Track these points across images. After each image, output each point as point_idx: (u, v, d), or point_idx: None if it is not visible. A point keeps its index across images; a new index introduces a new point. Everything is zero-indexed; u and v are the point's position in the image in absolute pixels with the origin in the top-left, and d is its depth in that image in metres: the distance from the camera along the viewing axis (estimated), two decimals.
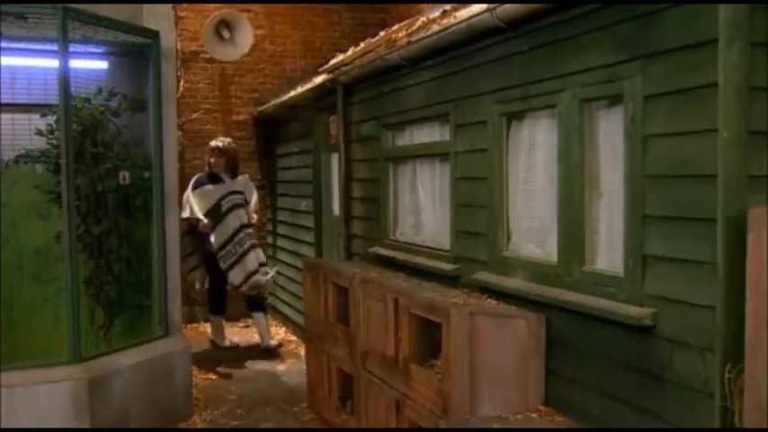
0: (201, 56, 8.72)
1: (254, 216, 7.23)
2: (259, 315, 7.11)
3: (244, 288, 6.81)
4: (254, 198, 7.25)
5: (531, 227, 3.80)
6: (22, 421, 4.28)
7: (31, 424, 4.28)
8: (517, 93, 3.72)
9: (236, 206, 6.90)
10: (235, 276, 6.78)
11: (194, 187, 6.94)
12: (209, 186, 6.92)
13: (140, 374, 4.81)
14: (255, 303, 7.10)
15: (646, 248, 2.90)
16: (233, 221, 6.83)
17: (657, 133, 2.82)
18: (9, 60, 5.07)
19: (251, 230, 7.00)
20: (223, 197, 6.86)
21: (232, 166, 7.09)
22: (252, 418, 5.21)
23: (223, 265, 6.78)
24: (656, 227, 2.86)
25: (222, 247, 6.78)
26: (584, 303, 3.22)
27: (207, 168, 7.11)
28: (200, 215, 6.72)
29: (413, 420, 3.80)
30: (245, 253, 6.82)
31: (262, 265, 7.04)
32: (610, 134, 3.21)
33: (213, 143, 7.12)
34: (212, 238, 6.78)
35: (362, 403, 4.42)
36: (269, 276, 7.13)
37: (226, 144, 7.10)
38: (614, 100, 3.13)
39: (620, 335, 3.04)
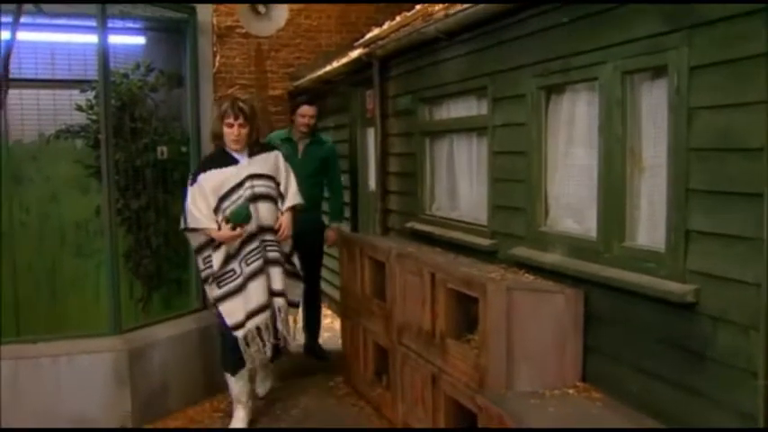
0: (237, 31, 8.74)
1: (283, 220, 4.47)
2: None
3: (240, 333, 4.31)
4: (293, 186, 4.57)
5: (570, 202, 3.75)
6: (67, 389, 4.40)
7: (75, 392, 4.41)
8: (557, 65, 3.66)
9: (258, 197, 4.37)
10: (229, 311, 4.33)
11: (195, 177, 4.37)
12: (216, 171, 4.36)
13: (178, 346, 4.89)
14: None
15: (689, 223, 2.85)
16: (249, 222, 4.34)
17: (703, 105, 2.75)
18: (49, 36, 5.15)
19: (273, 238, 4.42)
20: (238, 185, 4.34)
21: (251, 138, 4.46)
22: (287, 391, 5.27)
23: (214, 293, 4.39)
24: (699, 201, 2.80)
25: (225, 263, 4.32)
26: (624, 279, 3.18)
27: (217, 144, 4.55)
28: (204, 223, 4.25)
29: (448, 394, 3.81)
30: (255, 274, 4.32)
31: (287, 301, 4.50)
32: (653, 107, 3.14)
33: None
34: (213, 256, 4.33)
35: (398, 377, 4.44)
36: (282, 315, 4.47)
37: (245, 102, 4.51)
38: (658, 72, 3.05)
39: (660, 311, 3.00)
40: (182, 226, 4.41)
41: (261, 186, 4.40)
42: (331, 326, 7.08)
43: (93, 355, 4.47)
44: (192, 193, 4.33)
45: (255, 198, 4.35)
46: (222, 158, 4.42)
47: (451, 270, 3.89)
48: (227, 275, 4.33)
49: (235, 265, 4.32)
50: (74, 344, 4.52)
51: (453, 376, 3.74)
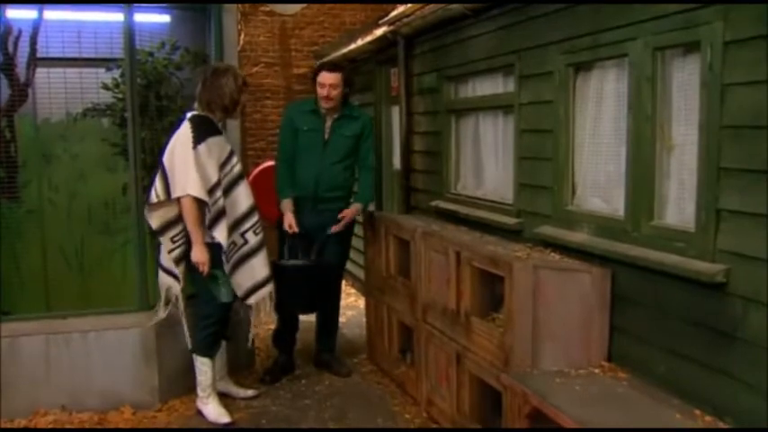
0: (261, 9, 8.71)
1: None
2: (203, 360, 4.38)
3: (251, 300, 4.51)
4: None
5: (598, 180, 3.71)
6: (96, 363, 4.48)
7: (104, 366, 4.48)
8: (586, 42, 3.60)
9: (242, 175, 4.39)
10: (239, 280, 4.43)
11: (201, 137, 4.11)
12: (215, 138, 4.21)
13: None
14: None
15: (720, 202, 2.80)
16: (242, 198, 4.34)
17: (737, 82, 2.70)
18: (76, 15, 5.16)
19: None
20: (229, 157, 4.31)
21: (217, 106, 4.27)
22: (311, 368, 5.31)
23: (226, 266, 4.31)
24: (731, 180, 2.75)
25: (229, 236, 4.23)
26: (652, 259, 3.14)
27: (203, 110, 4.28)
28: (203, 193, 4.05)
29: (473, 373, 3.81)
30: (256, 250, 4.42)
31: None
32: (684, 84, 3.09)
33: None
34: (216, 231, 4.15)
35: (422, 355, 4.45)
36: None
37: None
38: (690, 48, 2.99)
39: (689, 291, 2.97)
40: (178, 194, 4.03)
41: (238, 164, 4.38)
42: (355, 304, 7.11)
43: (122, 331, 4.53)
44: (198, 157, 4.05)
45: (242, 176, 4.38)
46: (214, 126, 4.27)
47: (477, 248, 3.87)
48: (230, 247, 4.30)
49: (235, 237, 4.33)
50: (102, 320, 4.59)
51: (478, 355, 3.74)
